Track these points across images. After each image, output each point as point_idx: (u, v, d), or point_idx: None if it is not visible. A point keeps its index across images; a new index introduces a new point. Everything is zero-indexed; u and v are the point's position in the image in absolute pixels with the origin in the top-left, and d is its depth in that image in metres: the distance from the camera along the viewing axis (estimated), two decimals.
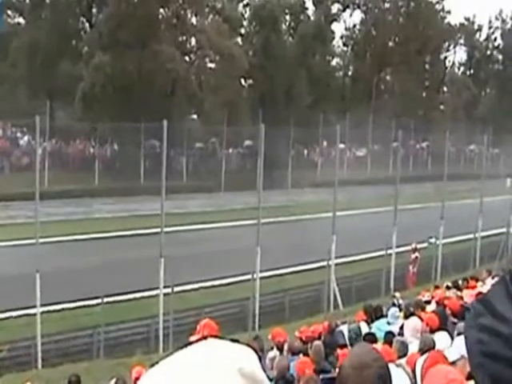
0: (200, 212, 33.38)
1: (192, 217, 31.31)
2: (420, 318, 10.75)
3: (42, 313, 16.25)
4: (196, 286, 21.10)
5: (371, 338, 10.33)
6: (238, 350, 1.10)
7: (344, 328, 12.40)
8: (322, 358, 9.40)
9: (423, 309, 11.83)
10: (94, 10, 48.33)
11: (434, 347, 8.07)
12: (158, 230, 17.70)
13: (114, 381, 10.04)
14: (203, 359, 1.05)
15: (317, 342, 10.11)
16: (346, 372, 2.79)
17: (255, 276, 19.24)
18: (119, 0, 41.84)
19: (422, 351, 8.08)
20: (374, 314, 12.65)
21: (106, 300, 17.50)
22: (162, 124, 17.53)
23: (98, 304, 17.56)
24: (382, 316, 12.57)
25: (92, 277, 20.15)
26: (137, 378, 9.43)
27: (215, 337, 1.14)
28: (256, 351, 1.16)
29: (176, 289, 17.98)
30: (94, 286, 18.27)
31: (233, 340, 1.13)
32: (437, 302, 12.70)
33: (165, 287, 17.52)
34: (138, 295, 20.16)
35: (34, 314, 16.03)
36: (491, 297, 1.18)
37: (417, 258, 24.88)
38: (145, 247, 21.65)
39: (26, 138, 41.52)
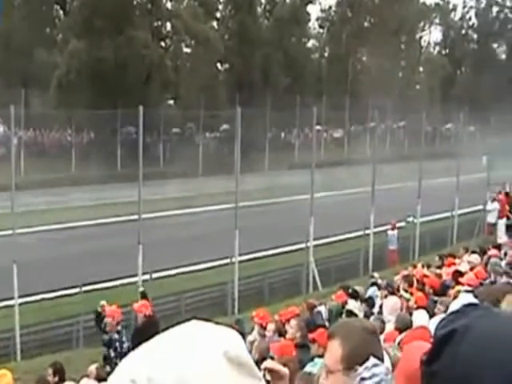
0: (178, 197, 33.27)
1: (170, 202, 31.20)
2: (398, 296, 10.83)
3: (20, 304, 16.11)
4: (174, 271, 21.04)
5: (351, 314, 10.40)
6: (224, 332, 1.08)
7: (322, 308, 12.44)
8: (305, 335, 9.38)
9: (411, 284, 11.82)
10: None
11: (411, 325, 8.11)
12: (136, 216, 17.64)
13: (94, 366, 9.98)
14: (189, 341, 1.04)
15: (299, 318, 10.13)
16: None
17: (234, 260, 19.22)
18: None
19: (398, 330, 8.13)
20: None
21: (84, 289, 17.37)
22: (138, 110, 17.39)
23: (77, 293, 17.45)
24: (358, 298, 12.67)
25: (71, 266, 20.02)
26: None
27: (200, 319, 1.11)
28: None
29: (154, 275, 17.93)
30: (74, 275, 18.14)
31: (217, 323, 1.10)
32: (417, 280, 12.76)
33: (143, 274, 17.46)
34: (117, 283, 20.07)
35: (12, 306, 15.90)
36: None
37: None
38: (123, 234, 21.55)
39: (0, 128, 41.07)
